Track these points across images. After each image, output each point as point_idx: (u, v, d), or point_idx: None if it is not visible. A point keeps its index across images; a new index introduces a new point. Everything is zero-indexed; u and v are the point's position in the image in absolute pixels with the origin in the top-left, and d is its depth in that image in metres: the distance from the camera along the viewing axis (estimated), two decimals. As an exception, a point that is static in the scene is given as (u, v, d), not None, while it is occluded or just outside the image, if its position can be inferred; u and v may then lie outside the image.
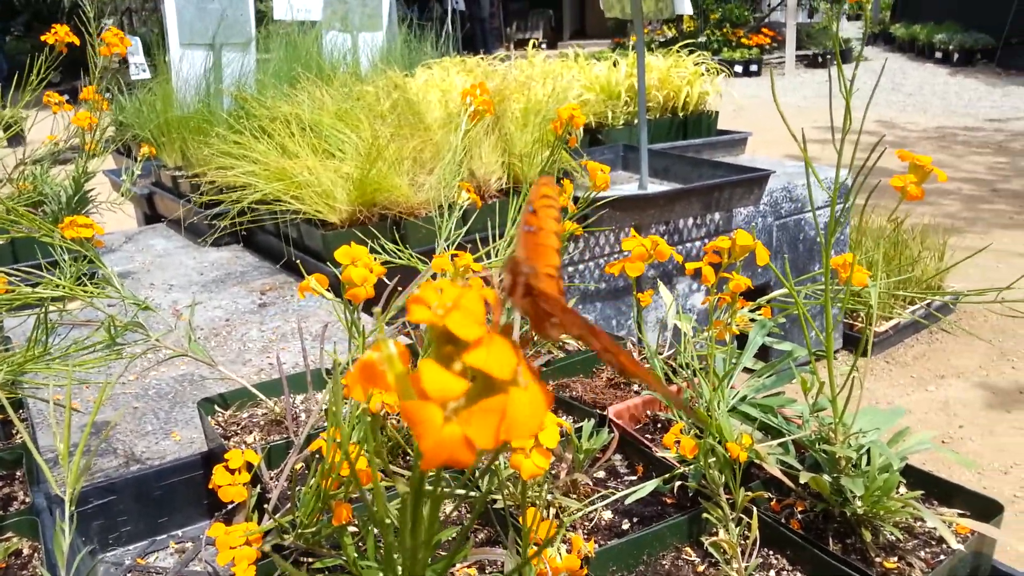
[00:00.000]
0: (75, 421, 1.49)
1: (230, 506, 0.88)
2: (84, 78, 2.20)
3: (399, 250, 1.28)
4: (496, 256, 1.31)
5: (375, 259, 1.20)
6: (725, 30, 10.07)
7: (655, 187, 2.62)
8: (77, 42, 2.07)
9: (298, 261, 0.89)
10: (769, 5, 11.84)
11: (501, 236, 1.42)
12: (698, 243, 2.52)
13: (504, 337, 0.36)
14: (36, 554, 0.94)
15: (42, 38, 2.04)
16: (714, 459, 0.90)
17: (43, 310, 1.09)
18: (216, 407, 1.22)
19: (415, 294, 0.35)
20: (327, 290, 0.99)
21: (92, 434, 1.50)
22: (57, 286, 1.24)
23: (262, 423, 1.16)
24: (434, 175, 2.31)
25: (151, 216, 3.26)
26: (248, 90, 2.89)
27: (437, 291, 0.37)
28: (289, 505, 0.85)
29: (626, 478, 1.01)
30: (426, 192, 2.28)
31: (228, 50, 3.40)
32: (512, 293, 0.41)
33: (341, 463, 0.67)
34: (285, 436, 1.10)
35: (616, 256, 2.42)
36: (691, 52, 3.79)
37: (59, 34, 2.04)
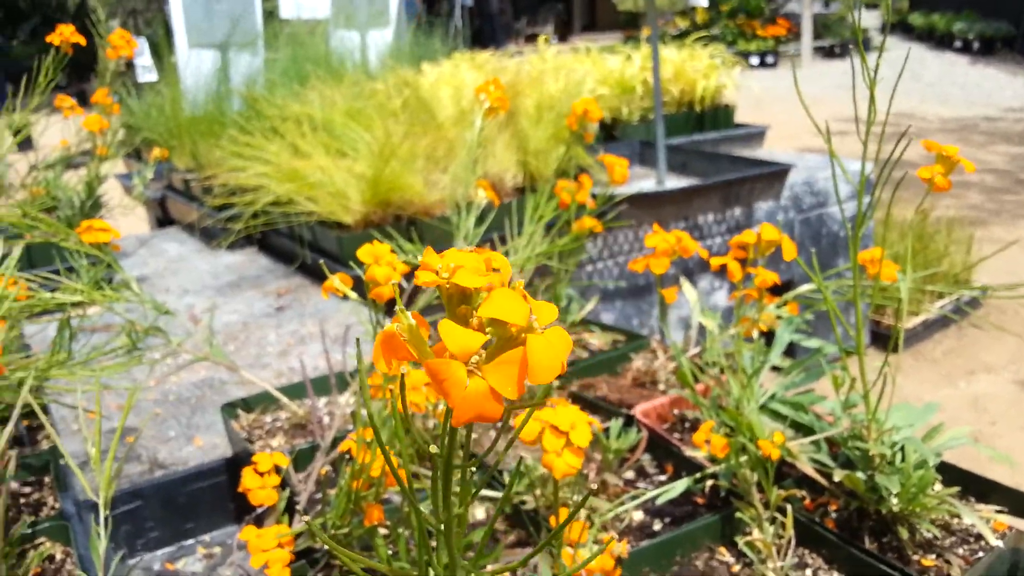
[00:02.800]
0: (104, 425, 1.49)
1: (258, 511, 0.87)
2: (92, 81, 2.19)
3: (418, 250, 1.26)
4: (516, 255, 1.30)
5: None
6: (740, 21, 9.98)
7: (673, 183, 2.60)
8: (83, 42, 2.05)
9: (322, 262, 0.87)
10: (784, -6, 11.74)
11: (519, 234, 1.40)
12: (719, 239, 2.50)
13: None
14: (69, 559, 0.94)
15: (48, 39, 2.03)
16: (745, 458, 0.88)
17: (66, 316, 1.08)
18: (239, 411, 1.21)
19: (421, 260, 0.36)
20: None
21: (119, 439, 1.50)
22: (77, 291, 1.24)
23: (286, 427, 1.16)
24: (448, 173, 2.30)
25: (163, 219, 3.26)
26: (257, 90, 2.88)
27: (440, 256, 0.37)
28: (319, 507, 0.84)
29: (655, 478, 0.99)
30: (440, 191, 2.27)
31: (236, 51, 3.40)
32: None
33: (371, 464, 0.66)
34: (310, 439, 1.09)
35: (636, 254, 2.40)
36: (706, 44, 3.76)
37: (64, 35, 2.02)
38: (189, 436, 1.44)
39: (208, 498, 1.19)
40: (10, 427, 0.80)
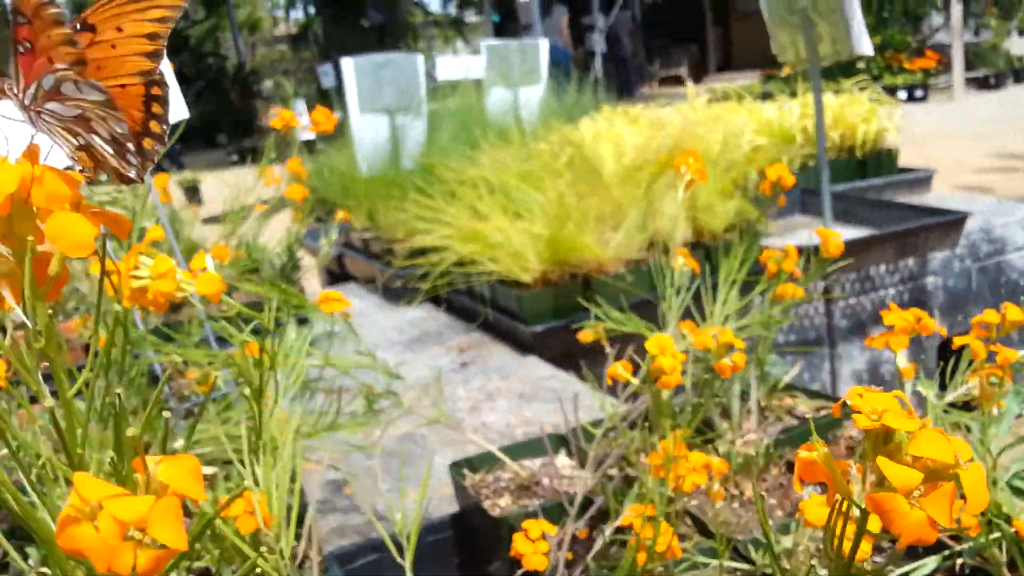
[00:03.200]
0: (318, 477, 1.63)
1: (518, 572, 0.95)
2: (253, 136, 2.39)
3: (628, 319, 1.32)
4: (725, 324, 1.34)
5: (600, 326, 1.25)
6: (887, 55, 9.65)
7: (841, 232, 2.57)
8: (298, 125, 2.28)
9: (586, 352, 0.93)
10: (931, 27, 11.27)
11: (714, 300, 1.45)
12: (891, 290, 2.44)
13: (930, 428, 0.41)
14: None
15: (271, 123, 2.26)
16: (995, 535, 0.88)
17: (327, 385, 1.21)
18: (464, 470, 1.30)
19: (851, 403, 0.42)
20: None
21: (335, 491, 1.64)
22: (318, 356, 1.37)
23: (511, 487, 1.24)
24: (620, 231, 2.37)
25: (338, 275, 3.49)
26: (426, 154, 3.07)
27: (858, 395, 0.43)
28: (574, 573, 0.91)
29: (888, 552, 1.00)
30: (613, 248, 2.34)
31: (402, 114, 3.62)
32: None
33: (656, 540, 0.71)
34: (536, 501, 1.16)
35: (806, 306, 2.38)
36: (851, 76, 3.70)
37: (285, 119, 2.25)
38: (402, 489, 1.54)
39: (434, 552, 1.28)
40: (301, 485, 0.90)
